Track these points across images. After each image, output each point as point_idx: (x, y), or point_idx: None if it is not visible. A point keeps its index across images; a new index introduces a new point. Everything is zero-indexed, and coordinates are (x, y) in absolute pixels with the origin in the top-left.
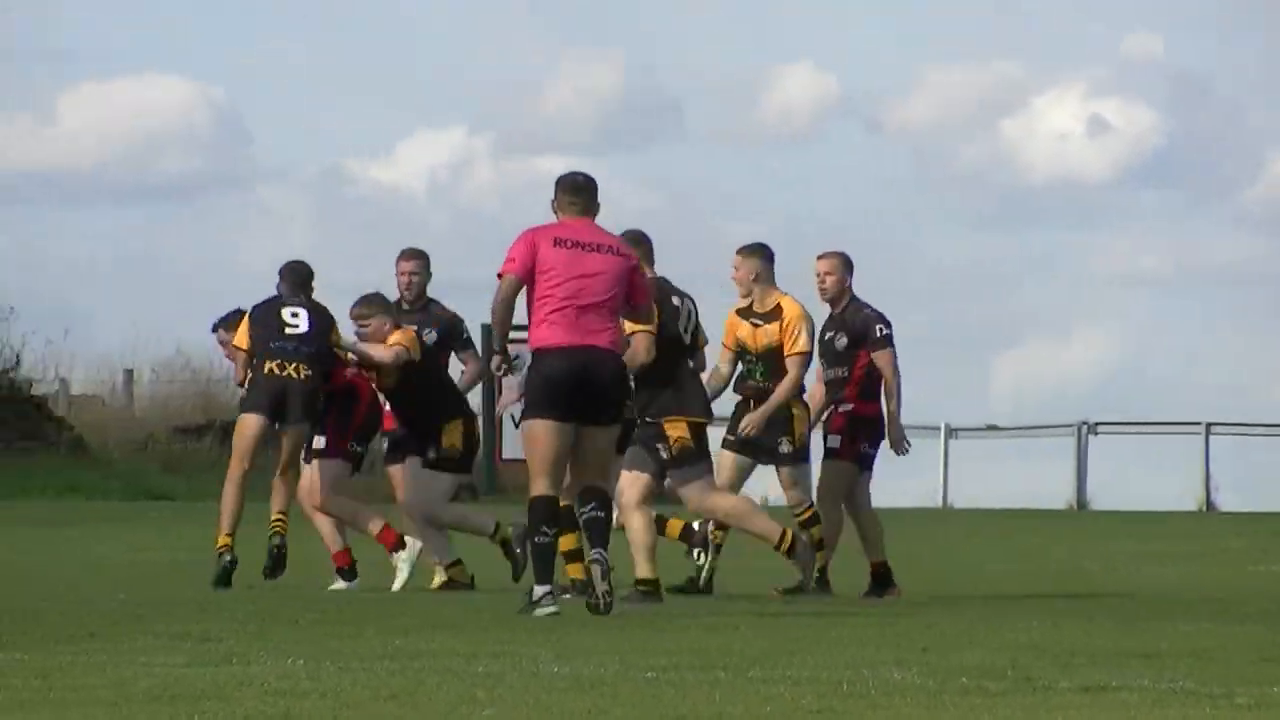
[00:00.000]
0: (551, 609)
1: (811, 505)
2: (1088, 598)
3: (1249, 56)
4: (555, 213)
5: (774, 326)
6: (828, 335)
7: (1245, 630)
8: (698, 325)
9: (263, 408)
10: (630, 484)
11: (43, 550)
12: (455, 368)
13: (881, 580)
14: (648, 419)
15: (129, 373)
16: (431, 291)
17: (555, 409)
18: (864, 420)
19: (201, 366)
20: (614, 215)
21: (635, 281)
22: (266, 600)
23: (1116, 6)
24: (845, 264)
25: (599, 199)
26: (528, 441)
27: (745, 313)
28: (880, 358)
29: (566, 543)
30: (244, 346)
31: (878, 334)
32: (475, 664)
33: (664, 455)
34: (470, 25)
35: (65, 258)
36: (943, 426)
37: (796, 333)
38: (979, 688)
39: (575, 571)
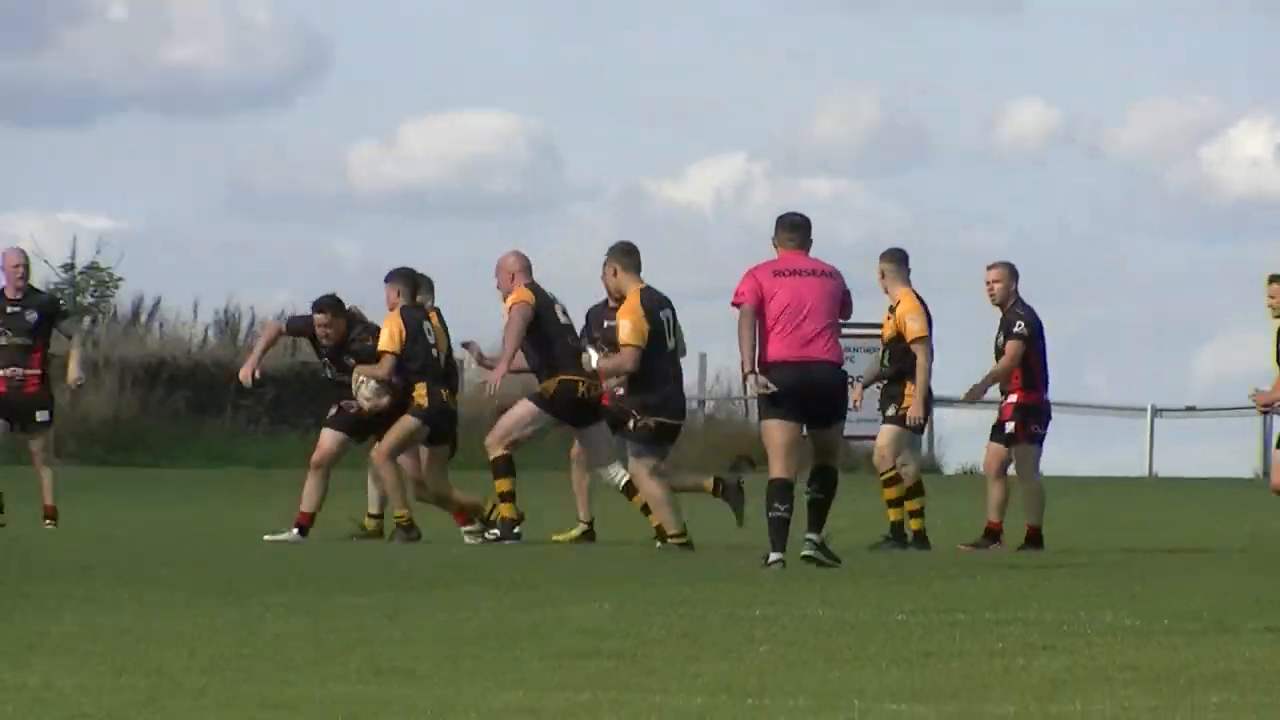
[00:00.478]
0: (777, 566)
1: (894, 467)
2: (1273, 554)
3: None
4: (775, 247)
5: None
6: (997, 336)
7: None
8: (679, 332)
9: None
10: (637, 467)
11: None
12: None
13: (1034, 541)
14: (633, 412)
15: None
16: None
17: (786, 411)
18: (1029, 407)
19: None
20: (871, 229)
21: (846, 299)
22: (575, 553)
23: None
24: (1010, 272)
25: (812, 234)
26: (766, 435)
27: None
28: (1009, 346)
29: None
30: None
31: (1014, 329)
32: (753, 609)
33: (630, 426)
34: (748, 67)
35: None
36: (1149, 407)
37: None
38: (1179, 628)
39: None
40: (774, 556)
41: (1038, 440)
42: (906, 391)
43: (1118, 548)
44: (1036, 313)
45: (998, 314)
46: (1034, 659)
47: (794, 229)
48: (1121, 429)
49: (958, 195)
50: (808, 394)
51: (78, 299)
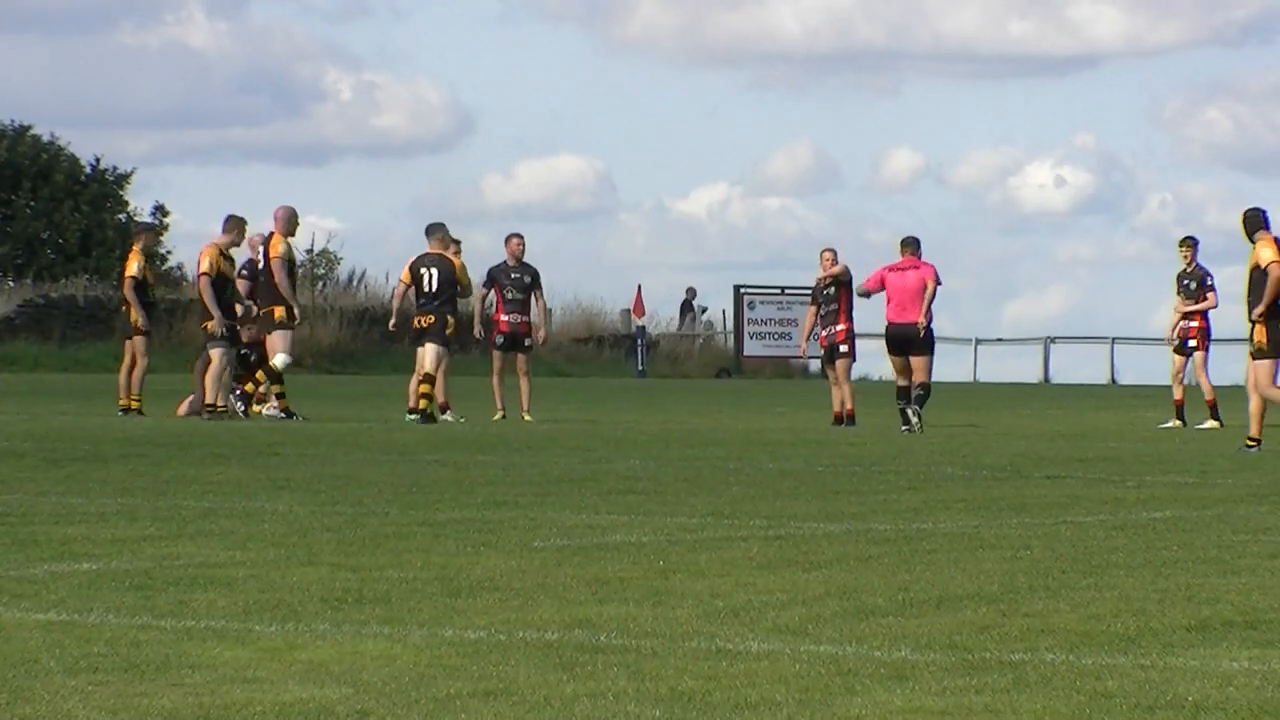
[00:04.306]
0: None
1: None
2: (1082, 428)
3: None
4: (900, 254)
5: None
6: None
7: None
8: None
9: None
10: None
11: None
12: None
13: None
14: None
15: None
16: None
17: (897, 349)
18: None
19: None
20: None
21: (934, 284)
22: (619, 429)
23: None
24: None
25: (919, 247)
26: (891, 364)
27: None
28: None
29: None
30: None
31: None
32: (728, 464)
33: None
34: (727, 133)
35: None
36: None
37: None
38: (992, 476)
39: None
40: (904, 425)
41: None
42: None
43: (956, 424)
44: None
45: None
46: (903, 495)
47: (905, 244)
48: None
49: None
50: (903, 339)
51: (315, 272)
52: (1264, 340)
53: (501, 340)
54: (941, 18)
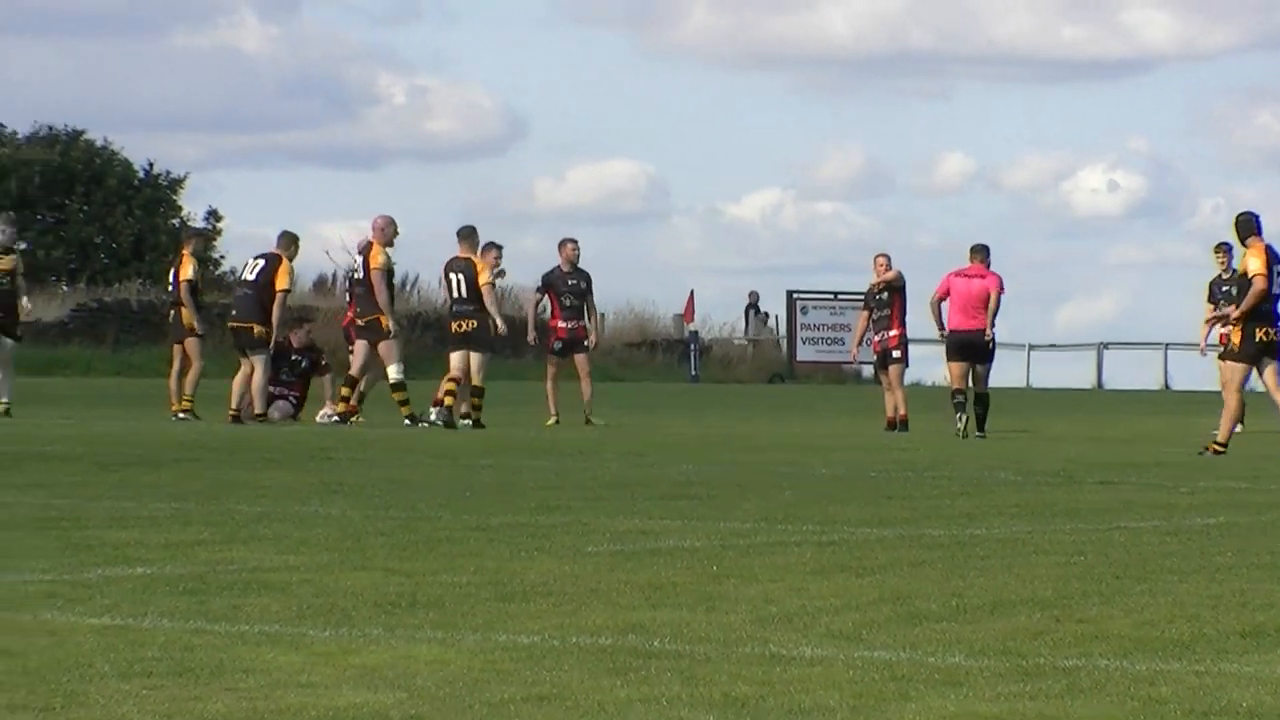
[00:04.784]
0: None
1: None
2: (1125, 434)
3: None
4: (969, 260)
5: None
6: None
7: None
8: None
9: None
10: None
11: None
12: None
13: None
14: None
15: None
16: None
17: (959, 355)
18: None
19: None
20: None
21: (998, 294)
22: (670, 435)
23: None
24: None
25: (988, 255)
26: (949, 369)
27: None
28: None
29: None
30: None
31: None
32: (780, 468)
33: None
34: (780, 137)
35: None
36: None
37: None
38: (1045, 481)
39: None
40: (957, 424)
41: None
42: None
43: (1009, 429)
44: None
45: None
46: (955, 500)
47: (975, 251)
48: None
49: None
50: (969, 345)
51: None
52: (1238, 343)
53: (559, 346)
54: (993, 21)
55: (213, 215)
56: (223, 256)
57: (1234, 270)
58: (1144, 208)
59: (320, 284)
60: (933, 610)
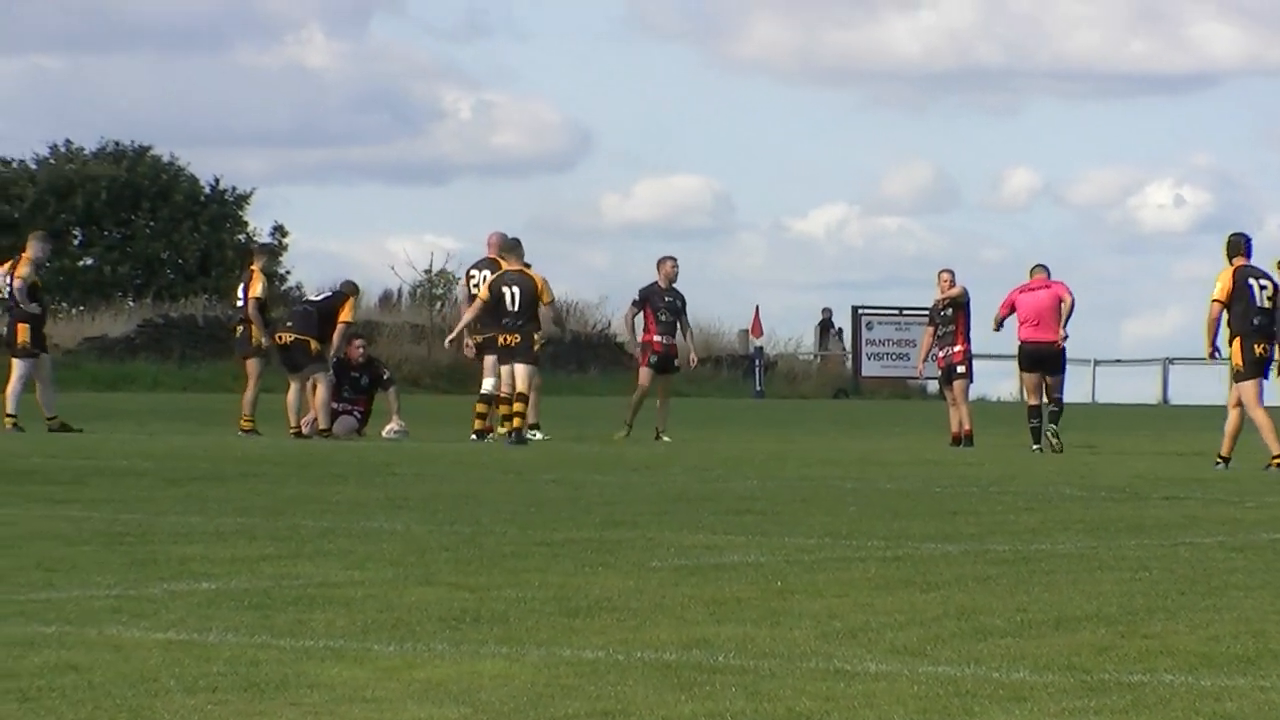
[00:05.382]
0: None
1: None
2: (1187, 447)
3: None
4: (1030, 275)
5: None
6: None
7: None
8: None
9: None
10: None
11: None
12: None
13: None
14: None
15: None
16: None
17: (1032, 366)
18: None
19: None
20: None
21: (1062, 305)
22: (737, 448)
23: None
24: None
25: (1049, 272)
26: (1023, 381)
27: None
28: None
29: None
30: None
31: None
32: (846, 484)
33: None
34: (847, 153)
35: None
36: None
37: None
38: (1110, 497)
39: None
40: (1035, 444)
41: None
42: None
43: (1074, 445)
44: None
45: None
46: (1020, 515)
47: (1037, 268)
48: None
49: None
50: (1041, 355)
51: (433, 291)
52: (1239, 363)
53: (655, 360)
54: (1061, 37)
55: (279, 230)
56: (288, 272)
57: None
58: (1210, 223)
59: (385, 299)
60: (998, 625)
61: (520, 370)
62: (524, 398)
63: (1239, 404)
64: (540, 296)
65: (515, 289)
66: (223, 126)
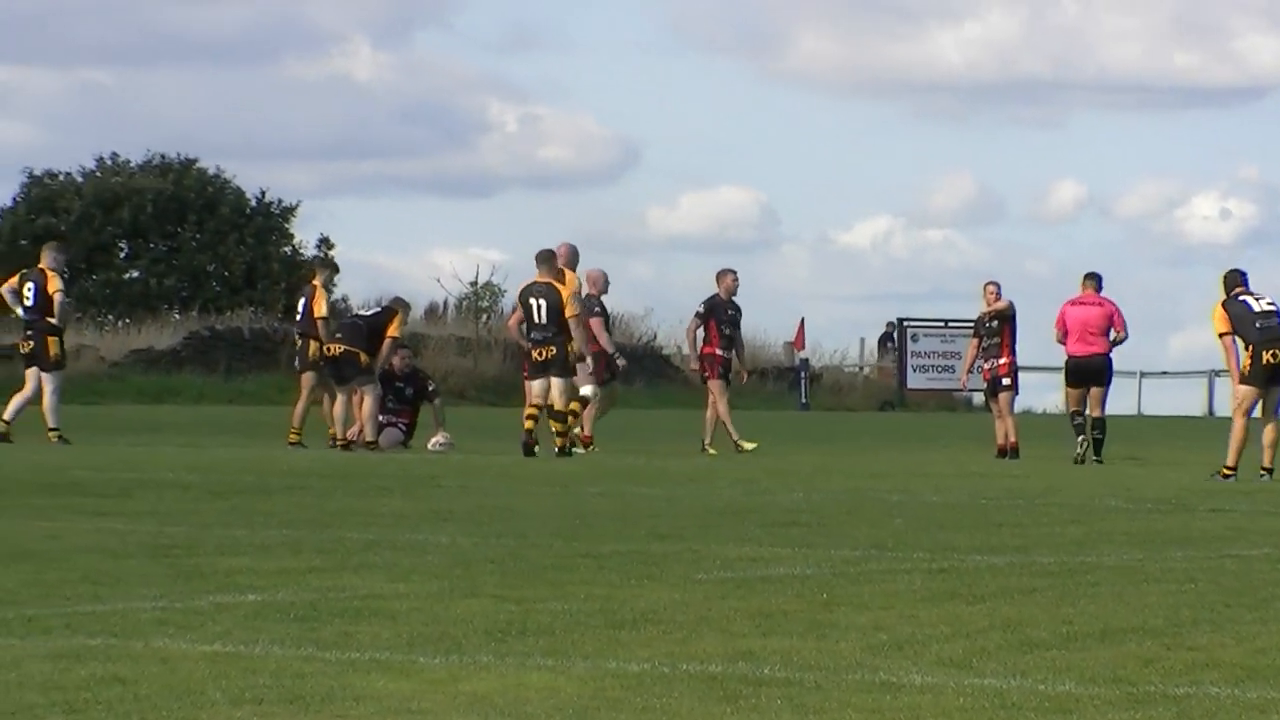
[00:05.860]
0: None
1: None
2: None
3: None
4: (1081, 288)
5: None
6: None
7: None
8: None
9: None
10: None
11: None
12: None
13: None
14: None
15: None
16: None
17: (1078, 380)
18: None
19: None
20: None
21: (1115, 320)
22: (786, 460)
23: None
24: None
25: (1101, 283)
26: (1067, 394)
27: None
28: None
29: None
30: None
31: None
32: (891, 496)
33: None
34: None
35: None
36: None
37: None
38: (1156, 509)
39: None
40: (1077, 449)
41: None
42: None
43: (1119, 457)
44: None
45: None
46: (1066, 528)
47: (1088, 277)
48: None
49: None
50: (1086, 370)
51: (479, 304)
52: (1245, 368)
53: (722, 372)
54: (1106, 49)
55: (325, 243)
56: (333, 286)
57: None
58: (1256, 235)
59: (431, 312)
60: (1043, 638)
61: (556, 384)
62: (562, 415)
63: (1275, 411)
64: (565, 308)
65: (541, 300)
66: (268, 139)
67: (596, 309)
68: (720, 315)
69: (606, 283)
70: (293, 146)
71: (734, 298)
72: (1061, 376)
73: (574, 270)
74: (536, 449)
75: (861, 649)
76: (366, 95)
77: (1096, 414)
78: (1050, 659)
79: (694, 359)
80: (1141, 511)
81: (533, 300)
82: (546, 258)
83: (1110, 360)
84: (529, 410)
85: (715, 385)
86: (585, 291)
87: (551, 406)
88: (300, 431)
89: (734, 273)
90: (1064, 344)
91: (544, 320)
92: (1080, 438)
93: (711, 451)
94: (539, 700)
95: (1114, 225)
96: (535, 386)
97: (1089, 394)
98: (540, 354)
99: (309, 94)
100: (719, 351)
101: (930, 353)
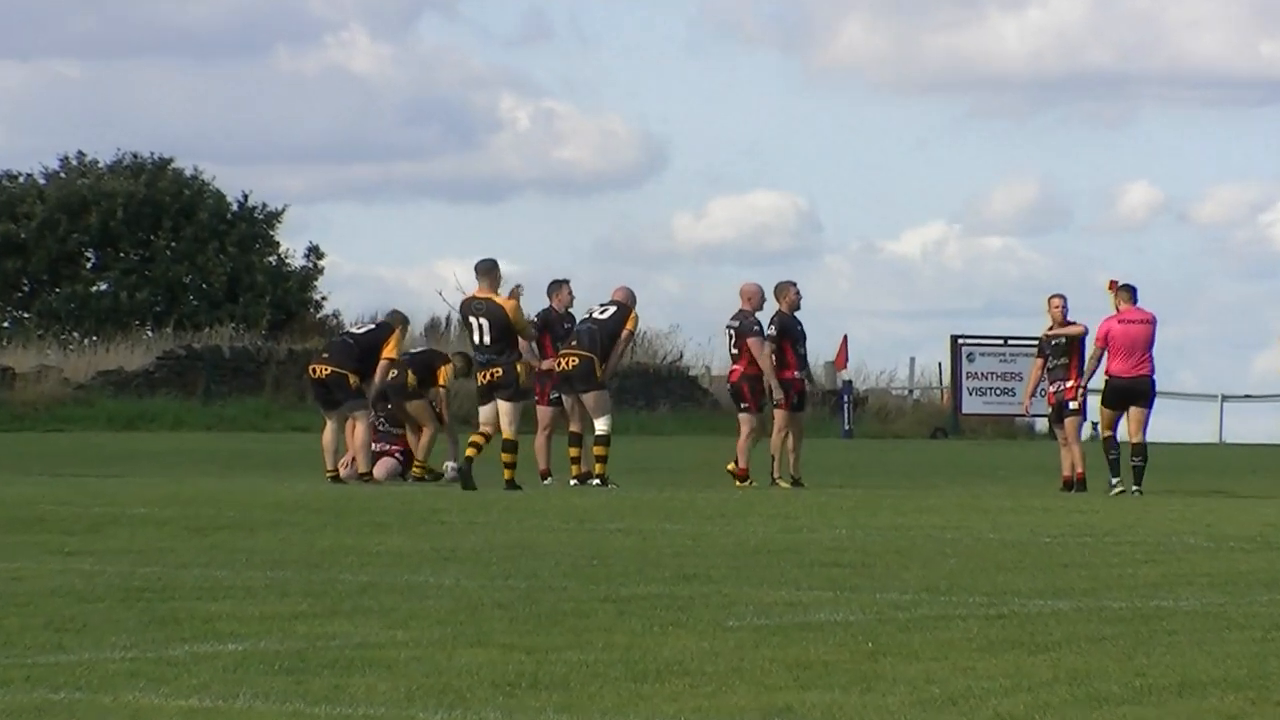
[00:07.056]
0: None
1: None
2: None
3: None
4: (1116, 306)
5: None
6: None
7: None
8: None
9: None
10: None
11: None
12: None
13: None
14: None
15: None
16: None
17: (1117, 402)
18: None
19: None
20: None
21: (1153, 333)
22: (825, 495)
23: None
24: None
25: (1136, 296)
26: (1103, 414)
27: None
28: None
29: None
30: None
31: None
32: (945, 533)
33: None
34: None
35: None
36: None
37: None
38: (1239, 548)
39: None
40: (1117, 487)
41: None
42: None
43: (1198, 490)
44: None
45: None
46: (1139, 568)
47: (1126, 289)
48: None
49: None
50: (1131, 391)
51: None
52: None
53: (797, 400)
54: (1181, 38)
55: (314, 252)
56: (324, 298)
57: None
58: None
59: (433, 328)
60: (1114, 692)
61: (504, 409)
62: (512, 445)
63: None
64: (514, 325)
65: (483, 319)
66: (252, 137)
67: (756, 327)
68: (794, 333)
69: (763, 299)
70: (280, 146)
71: (796, 313)
72: (1100, 398)
73: (633, 308)
74: (594, 482)
75: (911, 704)
76: (365, 90)
77: (1138, 439)
78: (1121, 714)
79: (778, 389)
80: (1223, 550)
81: (473, 319)
82: (488, 269)
83: (1155, 381)
84: (474, 438)
85: (784, 415)
86: (739, 307)
87: (502, 434)
88: (424, 463)
89: (795, 285)
90: (1100, 361)
91: (487, 340)
92: (1115, 475)
93: (783, 484)
94: None
95: (1190, 233)
96: (483, 413)
97: (1129, 416)
98: (485, 376)
99: (299, 88)
100: (796, 374)
101: (988, 373)
